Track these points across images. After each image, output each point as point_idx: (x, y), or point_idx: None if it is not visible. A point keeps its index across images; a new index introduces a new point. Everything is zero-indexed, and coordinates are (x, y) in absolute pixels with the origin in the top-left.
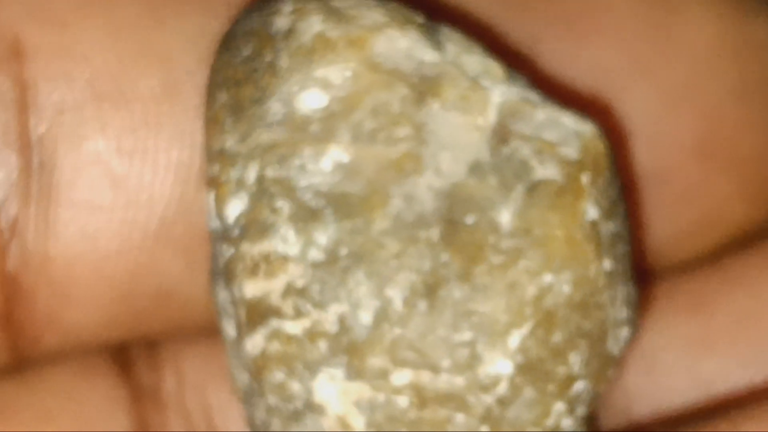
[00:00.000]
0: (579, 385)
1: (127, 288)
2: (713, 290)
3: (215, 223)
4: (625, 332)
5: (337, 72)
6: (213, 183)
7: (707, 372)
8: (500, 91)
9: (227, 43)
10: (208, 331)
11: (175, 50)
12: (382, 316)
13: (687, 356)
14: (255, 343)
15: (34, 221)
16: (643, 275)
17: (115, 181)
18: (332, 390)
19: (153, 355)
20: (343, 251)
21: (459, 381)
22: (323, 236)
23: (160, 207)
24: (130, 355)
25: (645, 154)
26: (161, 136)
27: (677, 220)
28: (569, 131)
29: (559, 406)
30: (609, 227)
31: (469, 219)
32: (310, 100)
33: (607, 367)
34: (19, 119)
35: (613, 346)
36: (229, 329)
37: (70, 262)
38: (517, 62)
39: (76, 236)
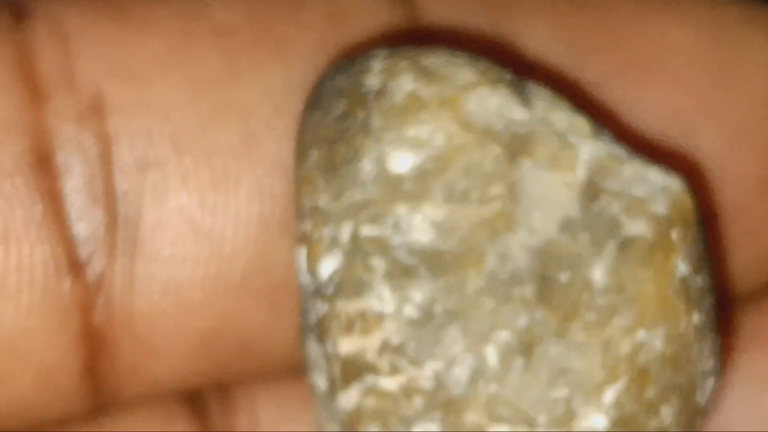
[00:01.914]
0: None
1: (209, 339)
2: None
3: (306, 279)
4: (711, 383)
5: (429, 131)
6: (305, 240)
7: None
8: (588, 148)
9: (317, 101)
10: (283, 377)
11: (253, 103)
12: (478, 372)
13: (751, 390)
14: (350, 397)
15: (119, 275)
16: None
17: (198, 235)
18: None
19: (227, 399)
20: (439, 309)
21: None
22: (418, 294)
23: (242, 259)
24: (204, 400)
25: (713, 193)
26: (242, 189)
27: (741, 256)
28: (657, 187)
29: None
30: (697, 281)
31: (563, 276)
32: (403, 160)
33: (695, 418)
34: (103, 174)
35: (701, 397)
36: (320, 382)
37: (153, 315)
38: (594, 111)
39: (160, 289)
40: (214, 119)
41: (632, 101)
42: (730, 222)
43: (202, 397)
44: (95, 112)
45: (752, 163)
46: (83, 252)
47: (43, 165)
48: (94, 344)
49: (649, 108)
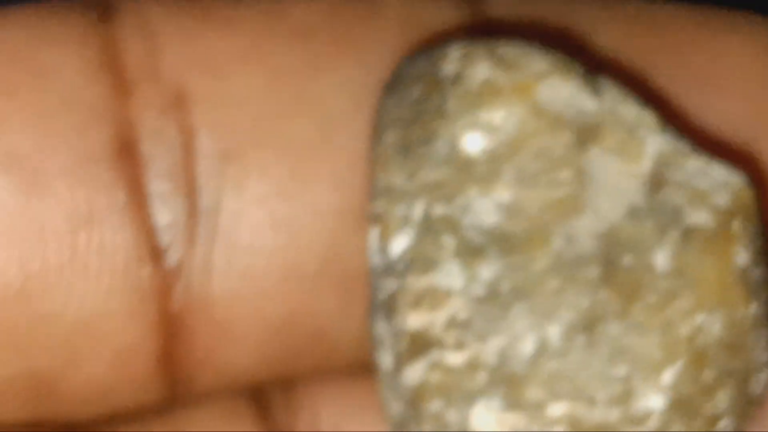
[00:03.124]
0: (724, 423)
1: (282, 328)
2: None
3: (377, 259)
4: (765, 374)
5: (503, 116)
6: (378, 219)
7: None
8: (654, 140)
9: (394, 86)
10: (352, 371)
11: (330, 99)
12: (541, 349)
13: None
14: (415, 372)
15: (198, 263)
16: None
17: (275, 224)
18: (489, 419)
19: (289, 396)
20: (505, 287)
21: (613, 414)
22: (486, 272)
23: (318, 249)
24: (267, 397)
25: None
26: (319, 181)
27: None
28: (719, 181)
29: None
30: (756, 273)
31: (626, 260)
32: (477, 143)
33: (749, 406)
34: (185, 164)
35: (755, 387)
36: (386, 360)
37: (231, 303)
38: (661, 108)
39: (237, 277)
40: (292, 113)
41: (693, 110)
42: None
43: (266, 395)
44: (179, 103)
45: None
46: (164, 239)
47: (127, 153)
48: (172, 330)
49: (709, 117)
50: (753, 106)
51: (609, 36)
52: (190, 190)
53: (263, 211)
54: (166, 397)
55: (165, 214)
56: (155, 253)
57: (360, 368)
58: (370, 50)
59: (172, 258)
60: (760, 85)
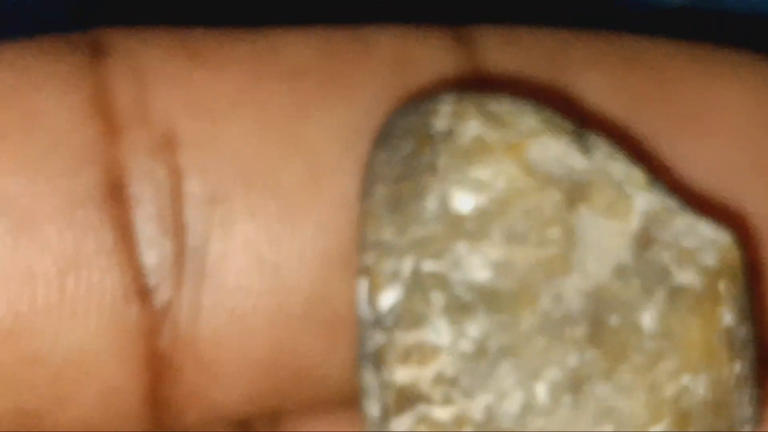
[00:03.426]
0: None
1: (268, 367)
2: None
3: (366, 310)
4: (749, 428)
5: (493, 174)
6: (367, 272)
7: None
8: (643, 198)
9: (385, 140)
10: (334, 410)
11: (320, 142)
12: (528, 407)
13: None
14: (402, 425)
15: (185, 303)
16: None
17: (262, 267)
18: None
19: (275, 428)
20: (493, 344)
21: None
22: (474, 329)
23: (304, 292)
24: (254, 428)
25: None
26: (307, 225)
27: None
28: (706, 239)
29: None
30: (741, 331)
31: (614, 320)
32: (466, 200)
33: None
34: (173, 206)
35: None
36: (373, 410)
37: (217, 342)
38: (648, 163)
39: (224, 318)
40: (281, 157)
41: (682, 156)
42: None
43: (252, 427)
44: (168, 146)
45: None
46: (151, 280)
47: (115, 195)
48: (159, 368)
49: (698, 163)
50: (742, 149)
51: (599, 80)
52: (178, 232)
53: (250, 254)
54: None
55: (153, 256)
56: (143, 294)
57: (346, 403)
58: (360, 92)
59: (160, 298)
60: (750, 128)
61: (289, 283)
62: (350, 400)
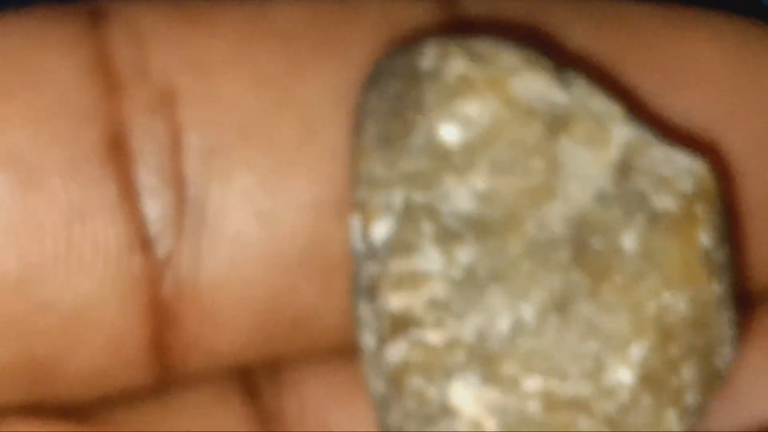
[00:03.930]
0: (689, 397)
1: (267, 313)
2: None
3: (359, 245)
4: (728, 351)
5: (478, 109)
6: (360, 207)
7: None
8: (621, 131)
9: (374, 81)
10: (335, 354)
11: (312, 98)
12: (516, 328)
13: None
14: (397, 351)
15: (186, 252)
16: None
17: (259, 216)
18: (467, 395)
19: (276, 380)
20: (481, 270)
21: (586, 388)
22: (463, 256)
23: (300, 240)
24: (255, 381)
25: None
26: (302, 175)
27: (759, 254)
28: (683, 168)
29: (671, 415)
30: (719, 255)
31: (596, 243)
32: (453, 134)
33: (713, 381)
34: (173, 160)
35: (719, 363)
36: (369, 341)
37: (217, 290)
38: (627, 101)
39: (223, 266)
40: (276, 111)
41: (660, 105)
42: (749, 221)
43: (253, 379)
44: (167, 102)
45: None
46: (153, 230)
47: (117, 150)
48: (162, 316)
49: (676, 112)
50: (718, 100)
51: (578, 34)
52: (178, 185)
53: (248, 204)
54: (157, 381)
55: (154, 208)
56: (145, 244)
57: (343, 351)
58: (350, 51)
59: (162, 248)
60: (725, 81)
61: (286, 231)
62: (346, 350)
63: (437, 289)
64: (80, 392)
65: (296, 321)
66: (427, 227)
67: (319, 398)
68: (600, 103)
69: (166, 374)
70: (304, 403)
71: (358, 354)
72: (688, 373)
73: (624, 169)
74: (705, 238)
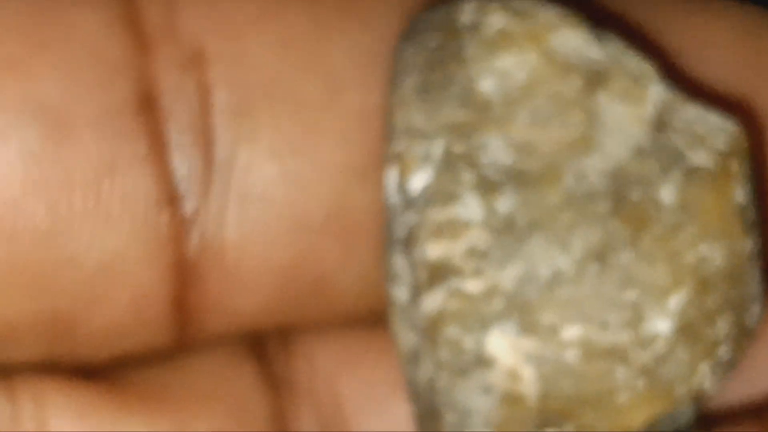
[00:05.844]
0: (722, 350)
1: (289, 276)
2: None
3: (395, 197)
4: (757, 308)
5: (517, 62)
6: (398, 158)
7: None
8: (655, 89)
9: (412, 35)
10: (348, 324)
11: (339, 61)
12: (556, 277)
13: None
14: (434, 300)
15: (213, 211)
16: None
17: (285, 177)
18: (504, 344)
19: (286, 346)
20: (521, 220)
21: (624, 336)
22: (503, 205)
23: (325, 203)
24: (266, 346)
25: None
26: (328, 137)
27: None
28: (716, 126)
29: (705, 367)
30: (751, 212)
31: (634, 195)
32: (493, 87)
33: (743, 337)
34: (202, 118)
35: (750, 319)
36: (401, 294)
37: (242, 251)
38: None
39: (249, 227)
40: (303, 72)
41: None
42: None
43: (264, 344)
44: (196, 62)
45: None
46: (181, 188)
47: (147, 107)
48: (185, 275)
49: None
50: (729, 79)
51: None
52: (206, 143)
53: (274, 165)
54: (175, 342)
55: (183, 165)
56: (173, 201)
57: (357, 319)
58: (375, 15)
59: (189, 206)
60: (735, 61)
61: (311, 193)
62: (361, 318)
63: (477, 237)
64: (98, 351)
65: (315, 285)
66: (466, 177)
67: (328, 365)
68: (634, 62)
69: (183, 336)
70: (314, 370)
71: (373, 322)
72: (722, 326)
73: (659, 125)
74: (740, 194)
